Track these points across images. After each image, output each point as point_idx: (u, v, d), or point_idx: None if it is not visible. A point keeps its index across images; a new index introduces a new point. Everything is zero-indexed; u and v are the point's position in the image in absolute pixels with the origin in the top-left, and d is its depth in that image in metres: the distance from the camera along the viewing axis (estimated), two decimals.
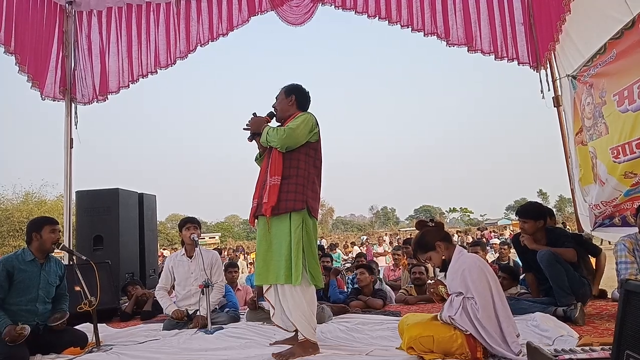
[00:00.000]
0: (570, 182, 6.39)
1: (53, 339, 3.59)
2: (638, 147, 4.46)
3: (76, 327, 3.97)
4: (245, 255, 18.54)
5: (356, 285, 5.28)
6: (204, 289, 4.17)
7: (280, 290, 3.22)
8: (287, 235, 3.15)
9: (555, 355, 2.12)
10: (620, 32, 4.63)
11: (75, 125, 6.98)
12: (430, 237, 2.97)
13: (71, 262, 3.95)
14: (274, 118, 3.50)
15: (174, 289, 4.76)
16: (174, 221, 48.64)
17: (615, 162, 4.84)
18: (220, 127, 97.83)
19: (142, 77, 7.00)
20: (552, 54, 6.30)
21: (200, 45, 6.94)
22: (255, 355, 3.19)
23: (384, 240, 18.51)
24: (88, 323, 3.97)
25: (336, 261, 13.83)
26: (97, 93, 6.97)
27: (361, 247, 19.55)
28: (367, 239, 32.29)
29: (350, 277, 5.95)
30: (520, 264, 4.76)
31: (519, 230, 4.28)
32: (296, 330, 3.19)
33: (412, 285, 5.46)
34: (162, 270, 5.99)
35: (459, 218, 65.85)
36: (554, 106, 6.52)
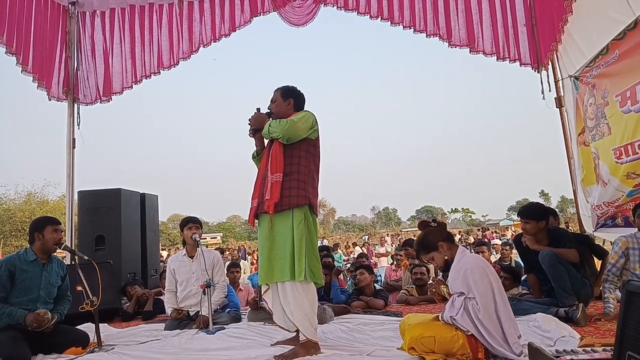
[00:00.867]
0: (572, 183, 6.38)
1: (55, 339, 3.59)
2: None
3: (78, 327, 3.98)
4: (247, 255, 18.59)
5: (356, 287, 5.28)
6: (206, 289, 4.18)
7: (282, 290, 3.21)
8: (290, 231, 3.14)
9: (556, 356, 2.13)
10: (622, 32, 4.63)
11: (78, 125, 6.99)
12: (432, 237, 2.97)
13: (73, 262, 3.96)
14: (270, 119, 3.50)
15: None
16: (175, 221, 48.66)
17: (617, 162, 4.84)
18: (221, 127, 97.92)
19: (146, 78, 7.02)
20: (555, 55, 6.29)
21: (203, 46, 6.94)
22: (256, 355, 3.18)
23: (386, 241, 18.51)
24: (90, 323, 3.98)
25: (337, 261, 13.83)
26: (101, 94, 6.98)
27: (362, 248, 19.54)
28: (368, 238, 32.32)
29: (349, 277, 5.95)
30: (522, 264, 4.76)
31: (520, 231, 4.28)
32: (297, 331, 3.19)
33: (414, 286, 5.46)
34: (163, 271, 6.02)
35: (461, 219, 65.82)
36: (556, 107, 6.52)
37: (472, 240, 19.18)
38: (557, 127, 6.55)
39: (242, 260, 14.77)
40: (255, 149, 3.60)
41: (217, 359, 3.23)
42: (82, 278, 3.67)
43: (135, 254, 6.52)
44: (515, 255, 6.10)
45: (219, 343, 3.63)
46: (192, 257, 4.62)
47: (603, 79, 5.10)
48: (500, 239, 16.62)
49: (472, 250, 6.78)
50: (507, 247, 7.18)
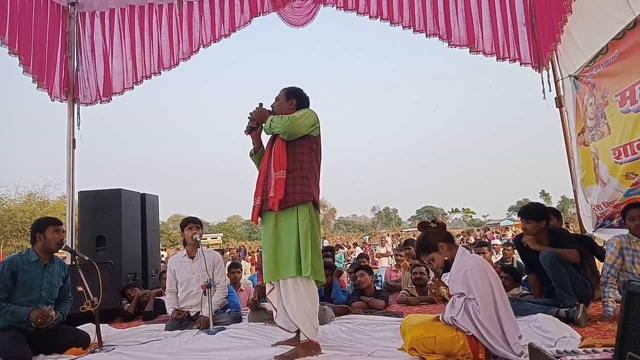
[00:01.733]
0: (572, 182, 6.38)
1: (55, 339, 3.60)
2: (639, 147, 4.45)
3: (79, 327, 3.98)
4: (247, 255, 18.59)
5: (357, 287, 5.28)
6: (206, 289, 4.18)
7: (284, 289, 3.21)
8: (295, 228, 3.15)
9: (557, 357, 2.13)
10: (622, 32, 4.63)
11: (78, 125, 6.99)
12: (432, 237, 2.97)
13: (74, 263, 3.96)
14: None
15: None
16: (176, 221, 48.68)
17: (617, 162, 4.84)
18: (221, 128, 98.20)
19: (146, 79, 7.01)
20: (555, 55, 6.29)
21: (203, 47, 6.94)
22: (257, 356, 3.18)
23: (386, 241, 18.51)
24: (90, 323, 3.98)
25: (338, 262, 13.84)
26: (101, 94, 6.98)
27: (363, 247, 19.55)
28: (369, 238, 32.30)
29: (350, 278, 5.95)
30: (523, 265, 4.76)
31: (521, 231, 4.28)
32: (298, 331, 3.19)
33: (414, 286, 5.46)
34: (163, 271, 6.02)
35: (461, 219, 65.82)
36: (556, 107, 6.51)
37: (473, 240, 19.16)
38: (558, 127, 6.54)
39: (242, 261, 14.78)
40: (252, 147, 3.61)
41: (218, 359, 3.23)
42: (83, 278, 3.67)
43: (136, 254, 6.52)
44: (517, 256, 6.09)
45: (219, 343, 3.63)
46: (192, 258, 4.62)
47: (603, 79, 5.10)
48: (500, 239, 16.61)
49: (473, 251, 6.77)
50: (509, 248, 7.17)
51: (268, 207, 3.22)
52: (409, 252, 6.60)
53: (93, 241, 6.10)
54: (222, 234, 52.36)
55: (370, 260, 11.71)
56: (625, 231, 3.91)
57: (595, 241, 5.13)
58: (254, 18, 6.89)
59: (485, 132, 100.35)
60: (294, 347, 3.15)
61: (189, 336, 3.95)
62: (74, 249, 4.42)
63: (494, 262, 7.36)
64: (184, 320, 4.44)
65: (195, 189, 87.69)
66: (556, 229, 4.24)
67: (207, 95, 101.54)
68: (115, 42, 7.03)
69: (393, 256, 9.61)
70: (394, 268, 7.37)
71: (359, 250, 18.18)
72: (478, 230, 32.45)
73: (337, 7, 6.74)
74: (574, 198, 6.54)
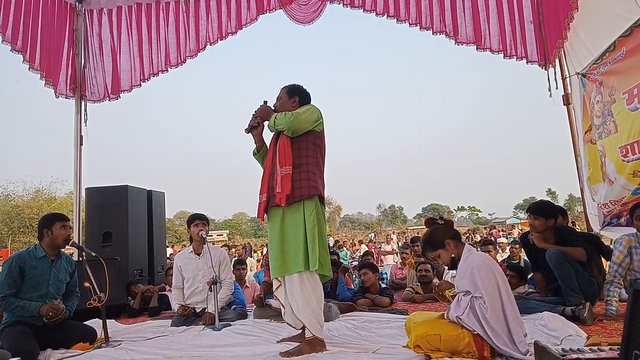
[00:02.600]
0: (579, 181, 6.35)
1: (63, 334, 3.62)
2: None
3: (85, 322, 4.01)
4: (253, 252, 18.62)
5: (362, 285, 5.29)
6: (212, 285, 4.20)
7: (289, 285, 3.22)
8: (302, 222, 3.16)
9: (562, 355, 2.12)
10: (629, 29, 4.59)
11: (85, 122, 7.03)
12: (439, 234, 2.97)
13: (81, 259, 3.99)
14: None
15: None
16: (182, 218, 48.87)
17: (624, 160, 4.81)
18: (227, 125, 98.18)
19: (153, 76, 7.05)
20: (562, 52, 6.26)
21: (210, 44, 6.96)
22: (262, 352, 3.20)
23: (392, 239, 18.47)
24: (97, 319, 4.00)
25: (343, 259, 13.86)
26: (109, 92, 7.02)
27: (368, 245, 19.53)
28: (375, 236, 32.28)
29: (356, 276, 5.96)
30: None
31: (527, 229, 4.26)
32: (303, 328, 3.20)
33: (419, 284, 5.46)
34: (169, 267, 6.05)
35: (467, 217, 65.61)
36: (563, 104, 6.48)
37: (479, 238, 19.10)
38: (565, 125, 6.52)
39: (248, 257, 14.80)
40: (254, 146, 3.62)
41: (223, 355, 3.24)
42: (90, 274, 3.70)
43: (142, 250, 6.55)
44: (524, 254, 6.07)
45: (225, 339, 3.65)
46: (198, 254, 4.64)
47: (610, 76, 5.06)
48: (507, 238, 16.55)
49: (479, 249, 6.76)
50: (517, 246, 7.15)
51: (275, 203, 3.23)
52: (415, 250, 6.60)
53: (100, 237, 6.14)
54: (227, 231, 52.51)
55: (375, 258, 11.71)
56: (633, 230, 3.88)
57: (602, 240, 5.10)
58: (260, 15, 6.90)
59: (492, 130, 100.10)
60: (299, 343, 3.16)
61: (195, 332, 3.96)
62: (81, 245, 4.45)
63: (499, 260, 7.34)
64: (189, 317, 4.45)
65: (201, 186, 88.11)
66: (562, 227, 4.22)
67: (213, 92, 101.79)
68: (123, 40, 7.07)
69: (399, 254, 9.61)
70: (400, 266, 7.38)
71: (364, 247, 18.16)
72: (485, 228, 32.33)
73: (343, 5, 6.74)
74: (580, 196, 6.51)
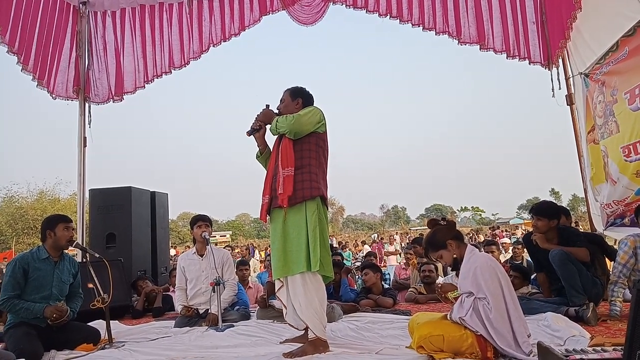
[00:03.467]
0: (583, 181, 6.33)
1: (66, 335, 3.64)
2: None
3: (89, 323, 4.02)
4: (256, 253, 18.63)
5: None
6: (215, 286, 4.21)
7: (292, 286, 3.22)
8: (304, 223, 3.16)
9: (566, 356, 2.11)
10: (632, 29, 4.58)
11: (89, 124, 7.05)
12: (441, 235, 2.96)
13: (84, 260, 4.00)
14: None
15: None
16: (185, 219, 48.96)
17: (626, 160, 4.80)
18: (230, 126, 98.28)
19: (157, 77, 7.06)
20: (565, 52, 6.24)
21: (213, 46, 6.97)
22: (265, 353, 3.20)
23: (395, 239, 18.45)
24: (101, 320, 4.01)
25: (346, 260, 13.84)
26: (113, 93, 7.04)
27: (372, 246, 19.50)
28: (378, 236, 32.24)
29: (359, 277, 5.95)
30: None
31: (531, 229, 4.25)
32: (306, 329, 3.20)
33: (422, 284, 5.45)
34: (173, 268, 6.06)
35: (471, 217, 65.52)
36: (567, 104, 6.46)
37: (482, 239, 19.05)
38: (568, 125, 6.50)
39: (251, 258, 14.82)
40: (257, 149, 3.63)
41: (227, 356, 3.24)
42: (93, 275, 3.71)
43: (146, 251, 6.56)
44: (527, 254, 6.05)
45: (228, 340, 3.66)
46: (202, 255, 4.64)
47: (612, 76, 5.05)
48: (510, 238, 16.51)
49: (482, 249, 6.74)
50: (519, 247, 7.13)
51: (277, 204, 3.23)
52: (417, 250, 6.59)
53: (103, 238, 6.15)
54: (230, 232, 52.57)
55: (378, 259, 11.69)
56: (638, 230, 3.87)
57: (606, 240, 5.09)
58: (263, 17, 6.91)
59: (496, 130, 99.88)
60: (302, 344, 3.16)
61: (198, 333, 3.97)
62: (84, 246, 4.47)
63: (502, 260, 7.32)
64: (193, 317, 4.46)
65: (204, 187, 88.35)
66: (566, 227, 4.21)
67: (216, 94, 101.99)
68: (127, 42, 7.09)
69: (402, 254, 9.59)
70: (403, 266, 7.37)
71: (367, 248, 18.14)
72: (489, 229, 32.24)
73: (346, 6, 6.73)
74: (584, 196, 6.49)
